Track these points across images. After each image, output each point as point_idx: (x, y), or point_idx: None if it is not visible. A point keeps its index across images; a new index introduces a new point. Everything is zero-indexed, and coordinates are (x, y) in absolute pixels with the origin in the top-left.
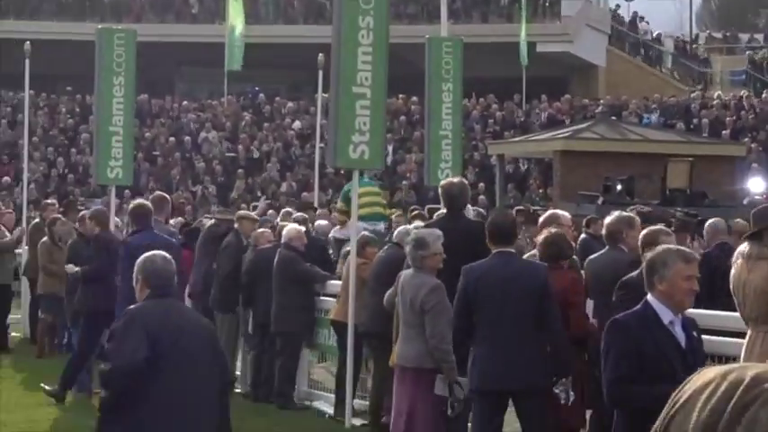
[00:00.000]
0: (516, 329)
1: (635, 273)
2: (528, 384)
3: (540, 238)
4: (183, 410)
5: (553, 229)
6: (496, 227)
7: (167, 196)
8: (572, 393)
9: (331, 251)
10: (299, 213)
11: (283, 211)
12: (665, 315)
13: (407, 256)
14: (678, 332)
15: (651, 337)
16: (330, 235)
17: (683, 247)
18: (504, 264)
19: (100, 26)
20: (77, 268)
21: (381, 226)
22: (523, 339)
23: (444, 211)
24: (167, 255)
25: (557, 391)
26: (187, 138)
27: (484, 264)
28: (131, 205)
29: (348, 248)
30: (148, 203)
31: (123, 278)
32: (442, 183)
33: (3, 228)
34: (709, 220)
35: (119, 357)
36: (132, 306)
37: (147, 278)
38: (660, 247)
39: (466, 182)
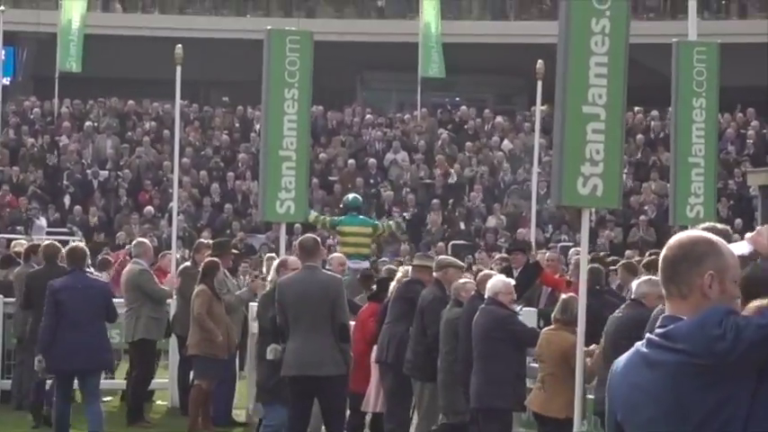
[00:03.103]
0: None
1: None
2: None
3: None
4: None
5: None
6: (752, 284)
7: (318, 239)
8: None
9: None
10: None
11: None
12: None
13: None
14: None
15: None
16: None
17: None
18: None
19: (269, 27)
20: (281, 347)
21: (366, 264)
22: None
23: None
24: None
25: None
26: (371, 160)
27: None
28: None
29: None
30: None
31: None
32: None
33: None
34: None
35: None
36: None
37: None
38: None
39: (730, 230)
